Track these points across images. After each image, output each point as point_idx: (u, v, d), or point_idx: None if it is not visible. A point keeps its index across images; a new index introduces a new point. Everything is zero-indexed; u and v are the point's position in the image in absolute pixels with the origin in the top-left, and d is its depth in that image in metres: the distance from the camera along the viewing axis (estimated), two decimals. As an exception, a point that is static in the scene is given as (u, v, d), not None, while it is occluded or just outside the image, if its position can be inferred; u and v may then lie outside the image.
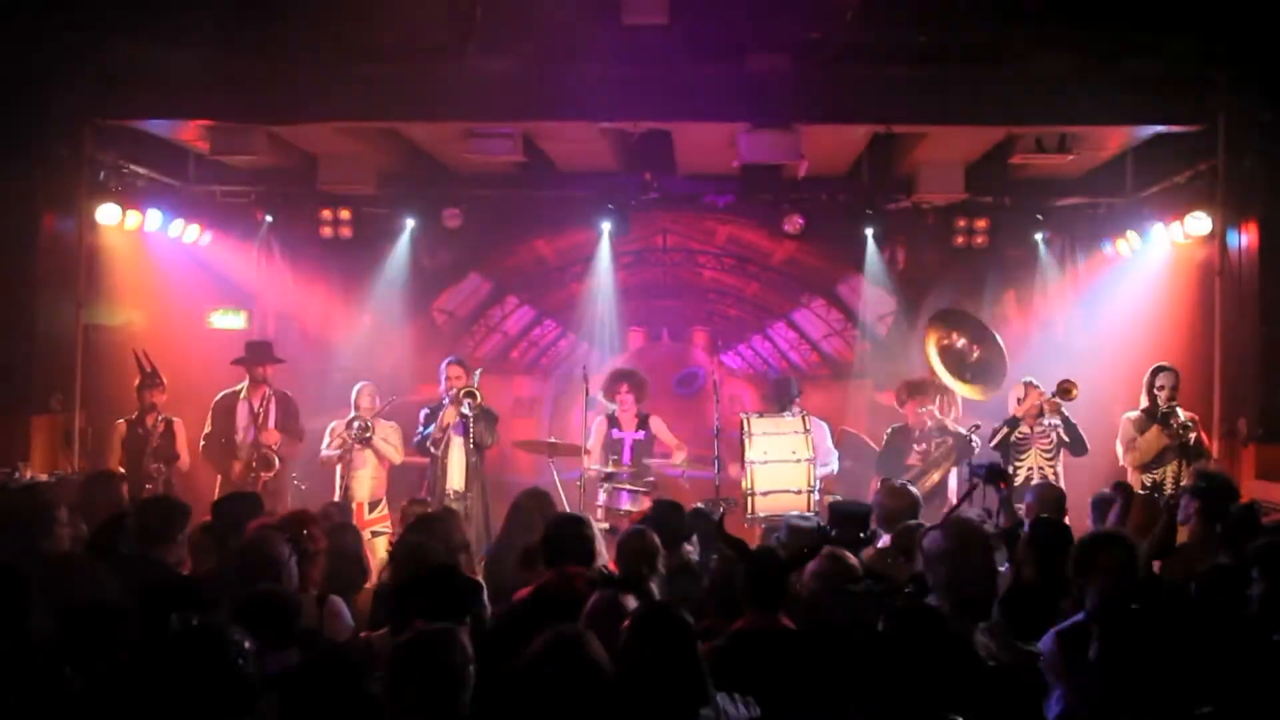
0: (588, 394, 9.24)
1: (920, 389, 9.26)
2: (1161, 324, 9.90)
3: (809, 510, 8.11)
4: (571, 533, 5.16)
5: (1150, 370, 8.43)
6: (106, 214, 9.49)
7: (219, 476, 9.37)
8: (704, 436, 9.70)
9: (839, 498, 8.22)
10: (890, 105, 8.90)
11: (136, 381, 9.17)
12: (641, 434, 9.36)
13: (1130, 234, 10.26)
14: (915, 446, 9.21)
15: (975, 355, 9.27)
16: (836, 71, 8.74)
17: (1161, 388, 8.27)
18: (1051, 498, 6.68)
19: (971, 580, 4.43)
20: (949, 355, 9.26)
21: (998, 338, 9.45)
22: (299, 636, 4.06)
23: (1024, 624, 4.48)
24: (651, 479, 9.02)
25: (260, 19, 8.46)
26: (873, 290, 11.68)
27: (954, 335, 9.39)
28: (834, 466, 9.26)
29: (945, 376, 9.32)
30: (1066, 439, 8.78)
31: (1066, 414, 8.78)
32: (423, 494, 8.97)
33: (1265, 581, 4.32)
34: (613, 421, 9.33)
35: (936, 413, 9.18)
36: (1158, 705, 3.67)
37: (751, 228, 11.95)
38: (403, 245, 11.41)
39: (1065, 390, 8.71)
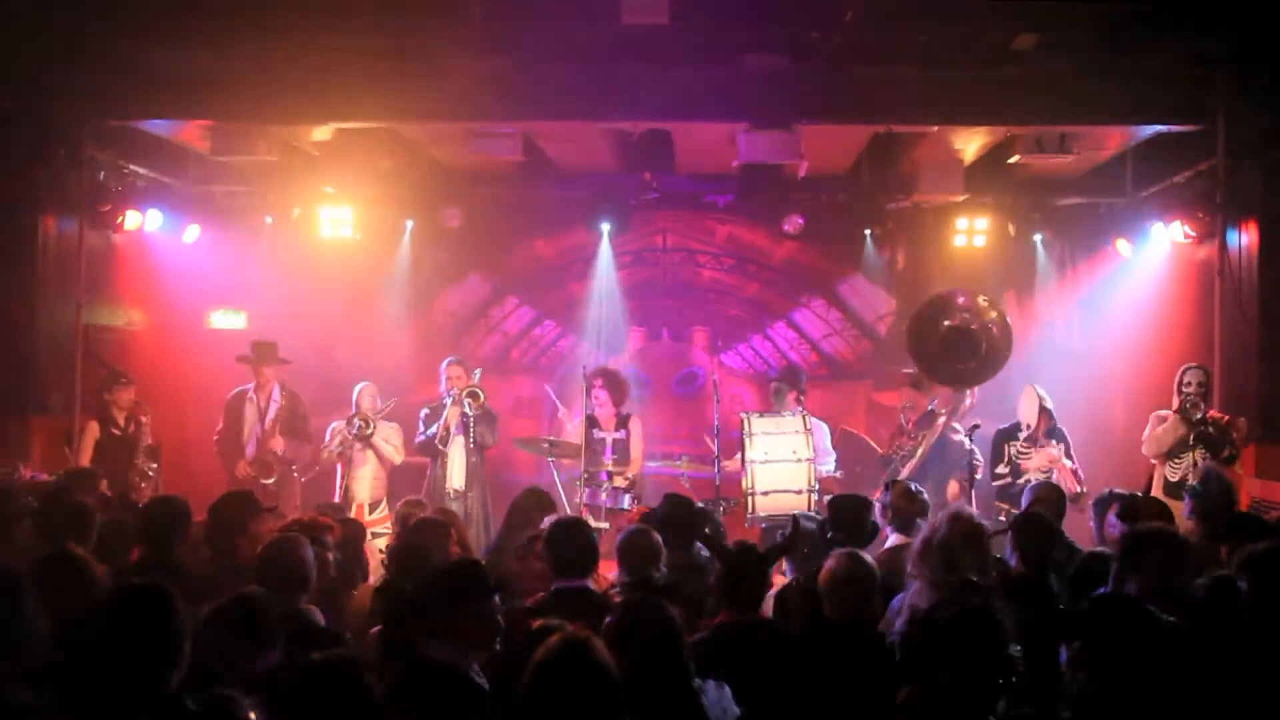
0: (587, 394, 9.24)
1: (925, 381, 9.23)
2: (1161, 324, 9.91)
3: (809, 510, 8.12)
4: (581, 543, 5.09)
5: (1180, 369, 8.39)
6: (107, 214, 9.49)
7: (227, 476, 9.33)
8: (704, 436, 9.70)
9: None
10: (890, 105, 8.91)
11: (99, 380, 9.07)
12: (622, 434, 9.26)
13: (1130, 234, 10.26)
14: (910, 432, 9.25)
15: (983, 349, 8.97)
16: (836, 71, 8.75)
17: (1189, 384, 8.24)
18: (1049, 497, 6.64)
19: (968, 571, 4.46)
20: (955, 334, 8.94)
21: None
22: (283, 638, 4.04)
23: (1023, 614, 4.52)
24: (629, 476, 8.97)
25: (260, 19, 8.45)
26: (872, 290, 11.70)
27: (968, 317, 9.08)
28: (831, 466, 9.26)
29: (926, 359, 9.05)
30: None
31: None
32: (423, 494, 8.99)
33: (1250, 589, 4.30)
34: (592, 422, 9.27)
35: (932, 405, 9.17)
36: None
37: (751, 228, 11.96)
38: (404, 245, 11.40)
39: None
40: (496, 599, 4.09)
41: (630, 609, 3.81)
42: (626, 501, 8.69)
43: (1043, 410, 8.77)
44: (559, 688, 3.15)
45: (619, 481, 8.80)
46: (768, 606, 5.25)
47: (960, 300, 9.12)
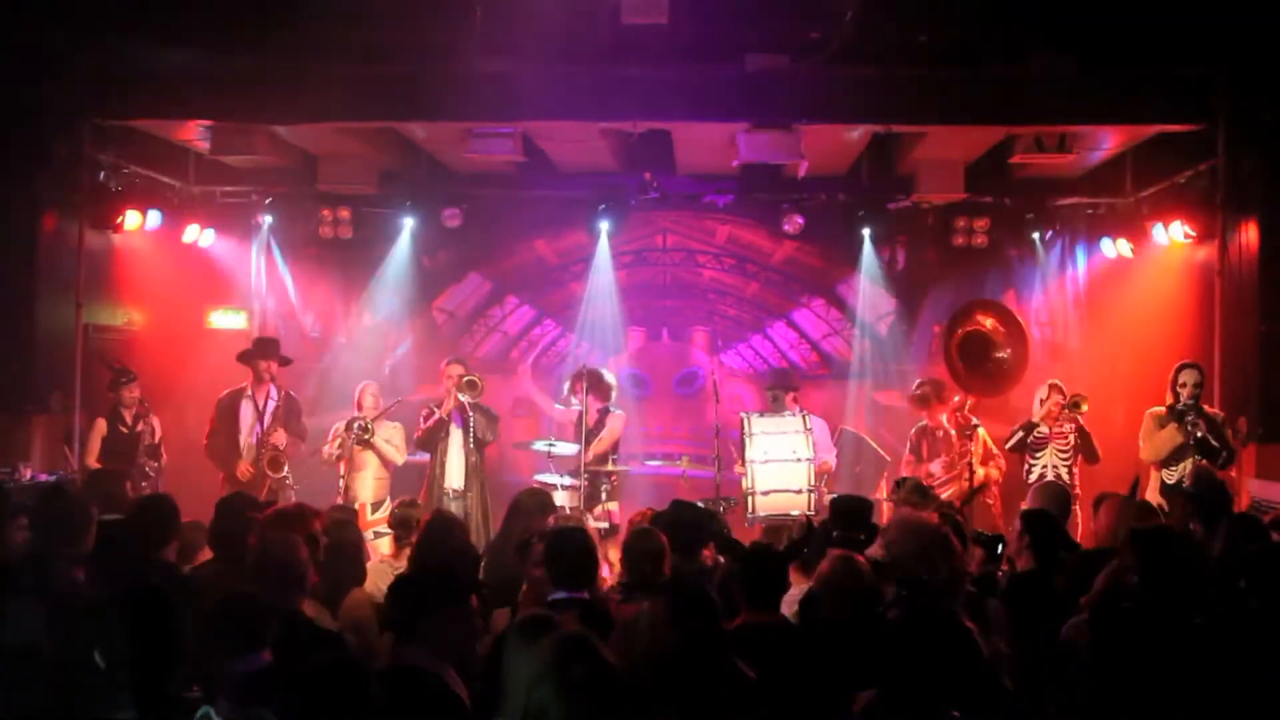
0: (586, 394, 9.24)
1: (943, 391, 9.22)
2: (1161, 324, 9.90)
3: (809, 509, 8.12)
4: (580, 553, 4.97)
5: (1175, 368, 8.43)
6: (108, 215, 9.49)
7: (222, 475, 9.31)
8: (704, 436, 9.70)
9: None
10: (890, 105, 8.91)
11: (108, 381, 9.08)
12: (600, 431, 9.32)
13: (1130, 234, 10.26)
14: (942, 455, 9.17)
15: (1004, 351, 9.00)
16: (836, 71, 8.74)
17: (1184, 385, 8.27)
18: (1052, 495, 6.63)
19: (939, 571, 4.48)
20: (972, 343, 9.00)
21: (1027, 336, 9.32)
22: (276, 639, 4.05)
23: (1024, 612, 4.53)
24: (592, 467, 9.02)
25: (260, 19, 8.45)
26: (871, 289, 11.68)
27: (986, 320, 9.10)
28: (831, 461, 9.27)
29: (958, 371, 9.15)
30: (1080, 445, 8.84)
31: (1081, 422, 8.82)
32: (420, 494, 9.00)
33: (1254, 589, 4.31)
34: (579, 421, 9.28)
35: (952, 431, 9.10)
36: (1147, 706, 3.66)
37: (751, 228, 11.95)
38: (403, 245, 11.38)
39: (1075, 404, 8.76)
40: (473, 602, 4.07)
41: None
42: (603, 495, 8.73)
43: (1053, 386, 8.97)
44: (560, 685, 3.14)
45: (582, 476, 8.81)
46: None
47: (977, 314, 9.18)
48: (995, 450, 9.10)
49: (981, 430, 9.00)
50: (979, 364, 8.97)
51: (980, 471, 8.86)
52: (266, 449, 9.21)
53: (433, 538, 5.57)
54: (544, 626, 3.58)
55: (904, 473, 9.23)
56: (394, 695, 3.55)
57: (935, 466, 9.07)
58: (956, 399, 9.27)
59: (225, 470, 9.30)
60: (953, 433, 9.08)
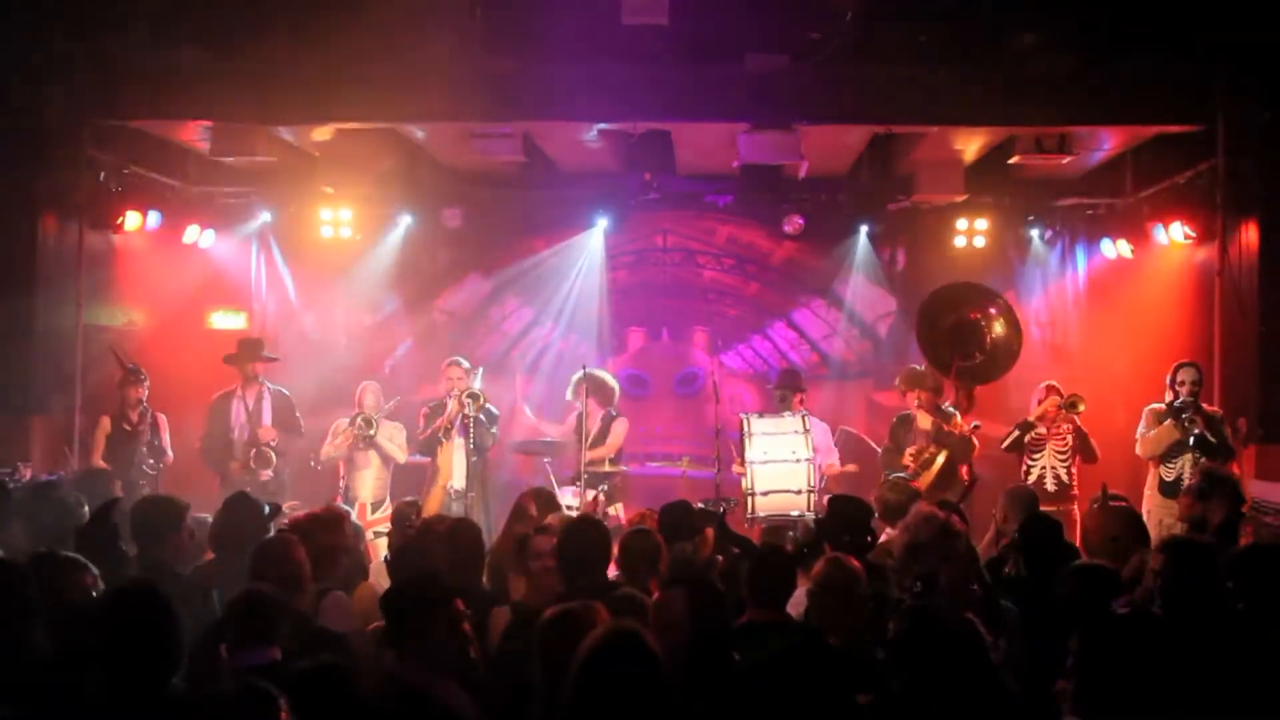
0: (586, 394, 9.25)
1: (919, 379, 9.09)
2: (1161, 324, 9.90)
3: (809, 510, 8.11)
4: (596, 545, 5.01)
5: (1173, 366, 8.44)
6: (108, 215, 9.48)
7: (219, 477, 9.31)
8: (704, 436, 9.70)
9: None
10: (890, 105, 8.91)
11: (118, 378, 9.08)
12: (603, 435, 9.34)
13: (1130, 234, 10.26)
14: (910, 446, 9.08)
15: (987, 345, 8.85)
16: (836, 71, 8.75)
17: (1182, 383, 8.31)
18: (1023, 498, 6.56)
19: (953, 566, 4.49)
20: (963, 331, 8.81)
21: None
22: (290, 635, 4.05)
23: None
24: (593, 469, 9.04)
25: (261, 19, 8.46)
26: (869, 289, 11.68)
27: (986, 310, 8.95)
28: (836, 463, 9.25)
29: (939, 363, 8.93)
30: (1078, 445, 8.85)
31: (1078, 423, 8.82)
32: (421, 494, 9.00)
33: (1237, 589, 4.31)
34: (579, 424, 9.29)
35: (940, 406, 8.99)
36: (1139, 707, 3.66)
37: (751, 228, 11.95)
38: (394, 242, 11.34)
39: (1072, 404, 8.76)
40: (456, 607, 3.97)
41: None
42: (601, 498, 8.78)
43: (1050, 386, 8.97)
44: (608, 678, 3.12)
45: (585, 478, 8.83)
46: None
47: (975, 297, 9.08)
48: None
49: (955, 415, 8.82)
50: (968, 353, 8.78)
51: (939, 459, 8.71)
52: (255, 445, 9.19)
53: (409, 549, 5.59)
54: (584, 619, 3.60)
55: (879, 454, 9.22)
56: (384, 715, 3.52)
57: (908, 456, 8.98)
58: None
59: (220, 472, 9.29)
60: (927, 425, 8.94)
